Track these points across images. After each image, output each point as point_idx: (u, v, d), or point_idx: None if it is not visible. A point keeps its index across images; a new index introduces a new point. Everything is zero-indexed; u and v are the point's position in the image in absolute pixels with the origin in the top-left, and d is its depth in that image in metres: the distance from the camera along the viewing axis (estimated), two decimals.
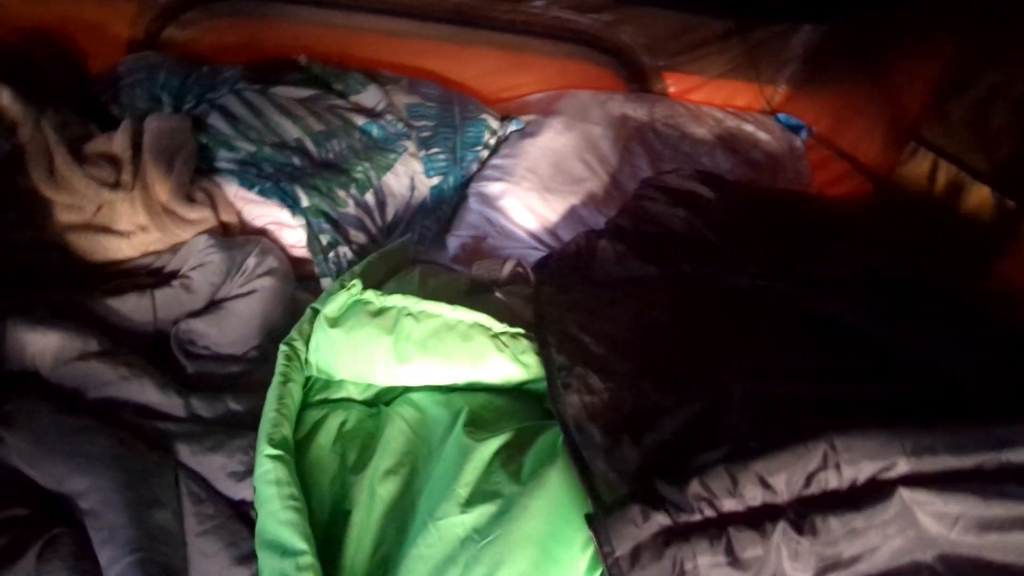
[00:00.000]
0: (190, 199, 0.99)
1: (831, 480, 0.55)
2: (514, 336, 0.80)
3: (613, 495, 0.61)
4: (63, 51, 1.32)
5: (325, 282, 1.00)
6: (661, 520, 0.54)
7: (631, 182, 1.34)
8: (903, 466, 0.54)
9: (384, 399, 0.78)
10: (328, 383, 0.77)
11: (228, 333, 0.87)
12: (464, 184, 1.28)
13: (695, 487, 0.55)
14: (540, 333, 0.82)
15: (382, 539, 0.62)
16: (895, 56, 1.36)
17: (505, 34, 1.57)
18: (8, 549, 0.60)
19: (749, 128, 1.55)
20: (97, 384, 0.74)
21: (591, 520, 0.58)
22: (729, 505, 0.55)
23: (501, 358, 0.77)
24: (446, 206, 1.24)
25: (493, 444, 0.67)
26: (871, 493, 0.54)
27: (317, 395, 0.76)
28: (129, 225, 0.95)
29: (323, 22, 1.48)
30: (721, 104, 1.66)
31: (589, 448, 0.66)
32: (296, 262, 1.02)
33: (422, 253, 1.12)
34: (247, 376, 0.85)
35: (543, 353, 0.78)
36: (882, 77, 1.37)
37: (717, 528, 0.54)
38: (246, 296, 0.91)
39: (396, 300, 0.77)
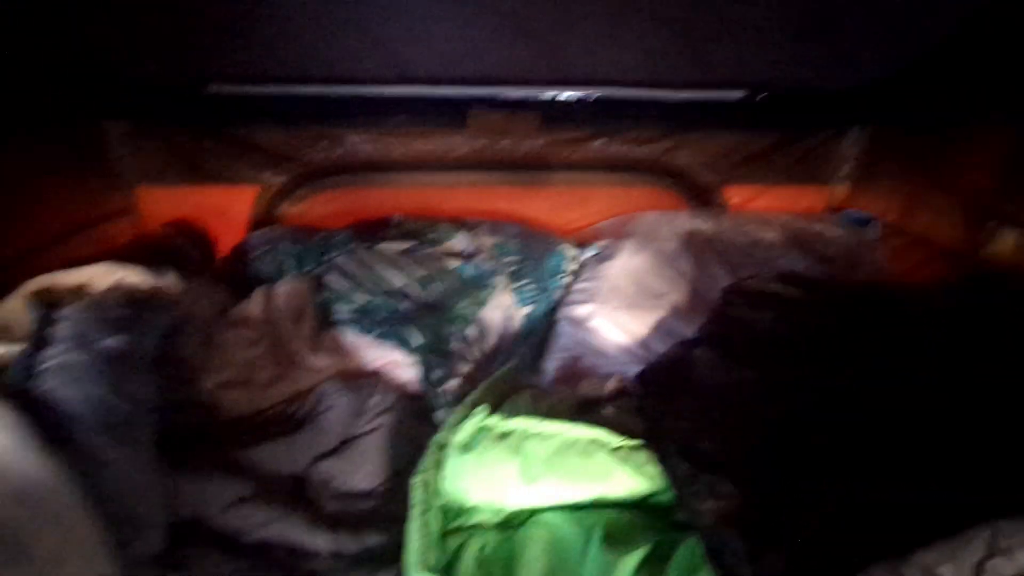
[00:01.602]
0: (316, 350, 1.10)
1: (1005, 568, 0.53)
2: (633, 449, 0.82)
3: None
4: (198, 235, 1.54)
5: (439, 414, 1.06)
6: None
7: (711, 291, 1.38)
8: None
9: (515, 522, 0.80)
10: (461, 510, 0.80)
11: (359, 469, 0.93)
12: (552, 310, 1.35)
13: None
14: (656, 444, 0.84)
15: None
16: (955, 139, 1.40)
17: (570, 172, 1.73)
18: None
19: (817, 227, 1.59)
20: (254, 526, 0.80)
21: None
22: None
23: (624, 472, 0.79)
24: (538, 332, 1.31)
25: (633, 559, 0.68)
26: None
27: (452, 522, 0.79)
28: (265, 378, 1.06)
29: (409, 183, 1.68)
30: (783, 209, 1.73)
31: (731, 555, 0.66)
32: (410, 398, 1.09)
33: (523, 378, 1.17)
34: (381, 510, 0.89)
35: (665, 464, 0.80)
36: (945, 161, 1.41)
37: None
38: (371, 433, 0.98)
39: (518, 423, 0.81)
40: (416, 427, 1.04)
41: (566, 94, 1.64)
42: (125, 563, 0.71)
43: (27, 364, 0.83)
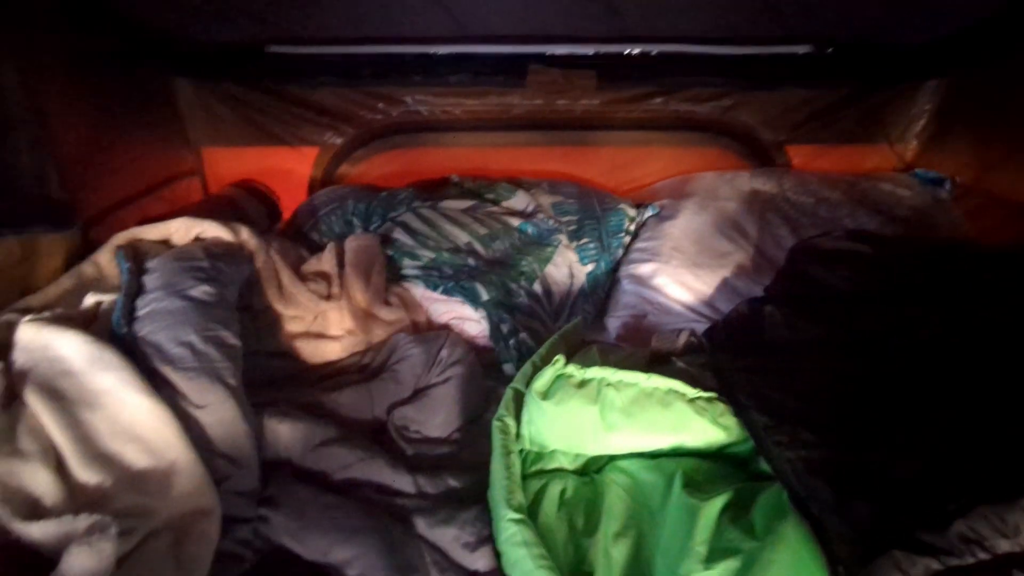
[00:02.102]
0: (386, 303, 1.12)
1: None
2: (709, 400, 0.82)
3: (851, 547, 0.61)
4: (263, 193, 1.58)
5: (507, 367, 1.08)
6: (930, 564, 0.53)
7: (776, 251, 1.36)
8: None
9: (593, 468, 0.82)
10: (540, 455, 0.82)
11: (434, 417, 0.95)
12: (613, 269, 1.35)
13: (960, 528, 0.54)
14: (732, 396, 0.84)
15: None
16: None
17: (627, 131, 1.70)
18: None
19: (887, 187, 1.54)
20: (340, 466, 0.83)
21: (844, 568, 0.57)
22: (1004, 546, 0.53)
23: (701, 422, 0.79)
24: (600, 290, 1.31)
25: (717, 503, 0.68)
26: None
27: (532, 466, 0.81)
28: (339, 330, 1.09)
29: (465, 143, 1.68)
30: (849, 169, 1.67)
31: (817, 503, 0.66)
32: (478, 351, 1.11)
33: (587, 334, 1.18)
34: (456, 456, 0.92)
35: (742, 415, 0.80)
36: None
37: (996, 571, 0.52)
38: (444, 384, 1.00)
39: (595, 372, 0.82)
40: (485, 379, 1.06)
41: (625, 51, 1.60)
42: (223, 497, 0.75)
43: (127, 311, 0.88)
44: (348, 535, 0.72)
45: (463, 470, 0.88)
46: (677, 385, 0.82)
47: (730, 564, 0.61)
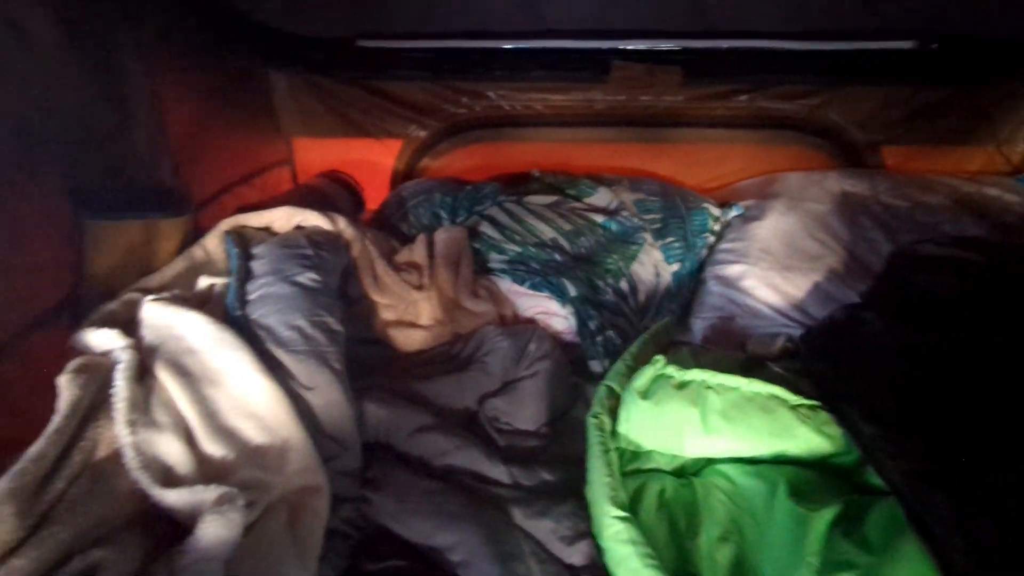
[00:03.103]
0: (474, 295, 1.14)
1: None
2: (812, 408, 0.80)
3: (975, 569, 0.59)
4: (349, 184, 1.63)
5: (593, 364, 1.08)
6: None
7: (869, 255, 1.31)
8: None
9: (691, 470, 0.81)
10: (637, 454, 0.82)
11: (523, 410, 0.97)
12: (698, 269, 1.33)
13: None
14: (834, 405, 0.81)
15: None
16: None
17: (710, 128, 1.67)
18: None
19: (993, 192, 1.45)
20: (438, 453, 0.86)
21: None
22: None
23: (806, 430, 0.78)
24: (685, 290, 1.29)
25: (827, 514, 0.67)
26: None
27: (628, 465, 0.81)
28: (428, 319, 1.12)
29: (546, 138, 1.68)
30: (949, 172, 1.59)
31: (936, 520, 0.64)
32: (563, 346, 1.12)
33: (674, 335, 1.17)
34: (546, 450, 0.93)
35: (847, 425, 0.78)
36: None
37: None
38: (532, 377, 1.01)
39: (695, 374, 0.81)
40: (572, 374, 1.06)
41: (711, 46, 1.57)
42: (329, 476, 0.79)
43: (240, 294, 0.92)
44: (451, 520, 0.74)
45: (554, 464, 0.89)
46: (779, 391, 0.81)
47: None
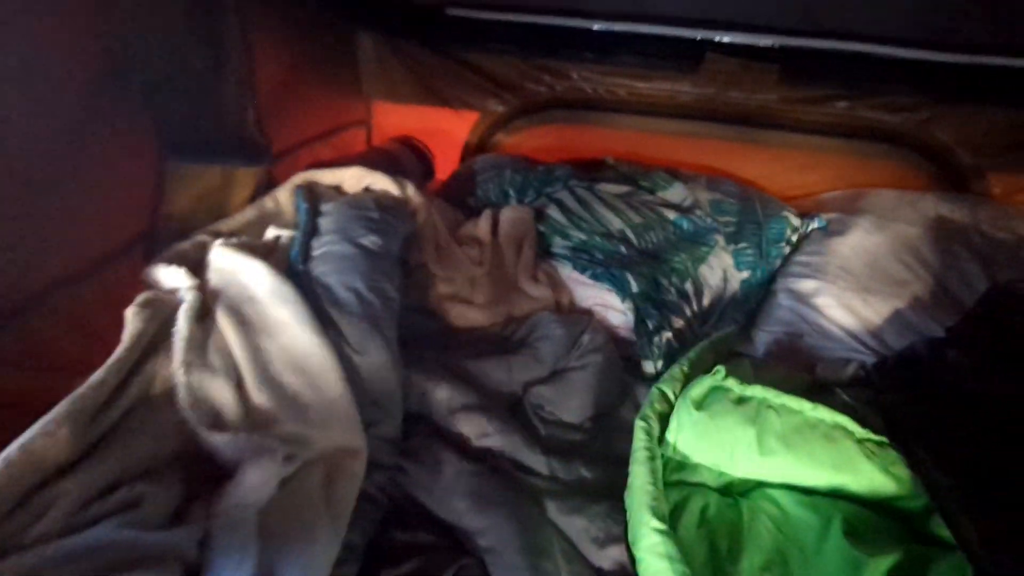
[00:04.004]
0: (534, 279, 1.12)
1: None
2: (879, 444, 0.75)
3: None
4: (422, 151, 1.63)
5: (646, 364, 1.05)
6: None
7: (961, 288, 1.21)
8: None
9: (738, 490, 0.77)
10: (683, 465, 0.79)
11: (569, 401, 0.94)
12: (769, 280, 1.26)
13: None
14: (906, 446, 0.75)
15: None
16: None
17: (801, 134, 1.57)
18: (425, 570, 0.69)
19: None
20: (479, 434, 0.84)
21: None
22: None
23: (871, 467, 0.72)
24: (753, 300, 1.23)
25: (885, 562, 0.62)
26: None
27: (672, 475, 0.78)
28: (484, 298, 1.10)
29: (624, 126, 1.63)
30: None
31: None
32: (617, 342, 1.08)
33: (735, 346, 1.12)
34: (588, 446, 0.90)
35: (919, 470, 0.72)
36: None
37: None
38: (582, 369, 0.98)
39: (757, 391, 0.77)
40: (622, 372, 1.03)
41: (813, 46, 1.47)
42: (370, 441, 0.79)
43: (304, 249, 0.93)
44: (484, 505, 0.73)
45: (595, 461, 0.86)
46: (845, 421, 0.75)
47: None
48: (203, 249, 0.92)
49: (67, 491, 0.53)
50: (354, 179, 1.14)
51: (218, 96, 1.02)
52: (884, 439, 0.76)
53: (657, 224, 1.24)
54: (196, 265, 0.89)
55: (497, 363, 0.97)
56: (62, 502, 0.52)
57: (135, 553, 0.52)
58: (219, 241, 0.91)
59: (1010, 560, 0.60)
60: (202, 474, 0.68)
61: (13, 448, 0.51)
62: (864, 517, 0.71)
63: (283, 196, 1.11)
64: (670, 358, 1.02)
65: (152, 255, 0.89)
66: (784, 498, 0.73)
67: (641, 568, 0.64)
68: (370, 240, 0.96)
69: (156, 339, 0.74)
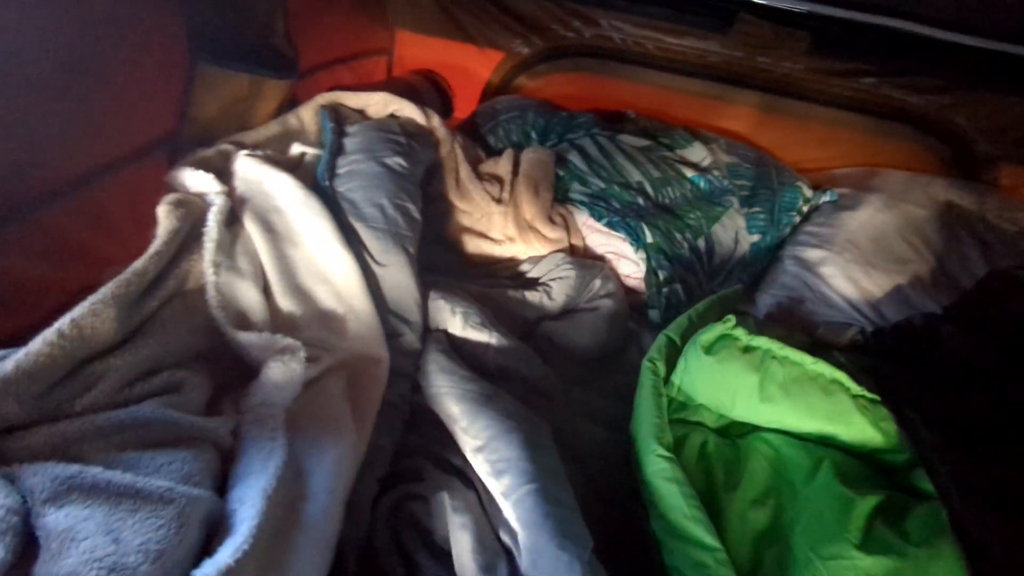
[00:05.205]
0: (550, 221, 1.13)
1: None
2: (872, 401, 0.79)
3: None
4: (442, 86, 1.61)
5: (652, 313, 1.08)
6: None
7: (960, 271, 1.25)
8: None
9: (735, 432, 0.81)
10: (685, 405, 0.82)
11: (577, 340, 0.97)
12: (777, 246, 1.29)
13: None
14: (896, 406, 0.79)
15: (756, 561, 0.65)
16: None
17: (822, 107, 1.57)
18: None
19: None
20: (491, 352, 0.86)
21: None
22: None
23: (862, 421, 0.76)
24: (759, 263, 1.26)
25: (871, 501, 0.67)
26: None
27: (675, 415, 0.81)
28: (501, 234, 1.12)
29: (648, 81, 1.61)
30: None
31: (982, 529, 0.63)
32: (625, 291, 1.11)
33: (739, 304, 1.15)
34: (591, 383, 0.93)
35: (908, 428, 0.76)
36: None
37: None
38: (591, 312, 1.01)
39: (763, 342, 0.80)
40: (630, 319, 1.06)
41: (848, 17, 1.45)
42: (391, 351, 0.81)
43: (330, 166, 0.93)
44: (482, 403, 0.74)
45: (599, 395, 0.90)
46: (843, 377, 0.79)
47: (884, 561, 0.60)
48: (226, 158, 0.91)
49: (115, 367, 0.55)
50: (380, 104, 1.13)
51: (250, 4, 1.00)
52: (877, 397, 0.79)
53: (675, 180, 1.25)
54: (219, 173, 0.89)
55: (511, 296, 0.99)
56: (111, 376, 0.54)
57: (176, 432, 0.55)
58: (244, 152, 0.91)
59: (986, 508, 0.65)
60: (230, 371, 0.71)
61: (65, 321, 0.52)
62: (851, 464, 0.75)
63: (306, 115, 1.10)
64: (675, 310, 1.05)
65: (175, 159, 0.89)
66: (778, 440, 0.77)
67: (648, 492, 0.68)
68: (395, 161, 0.96)
69: (187, 239, 0.75)
